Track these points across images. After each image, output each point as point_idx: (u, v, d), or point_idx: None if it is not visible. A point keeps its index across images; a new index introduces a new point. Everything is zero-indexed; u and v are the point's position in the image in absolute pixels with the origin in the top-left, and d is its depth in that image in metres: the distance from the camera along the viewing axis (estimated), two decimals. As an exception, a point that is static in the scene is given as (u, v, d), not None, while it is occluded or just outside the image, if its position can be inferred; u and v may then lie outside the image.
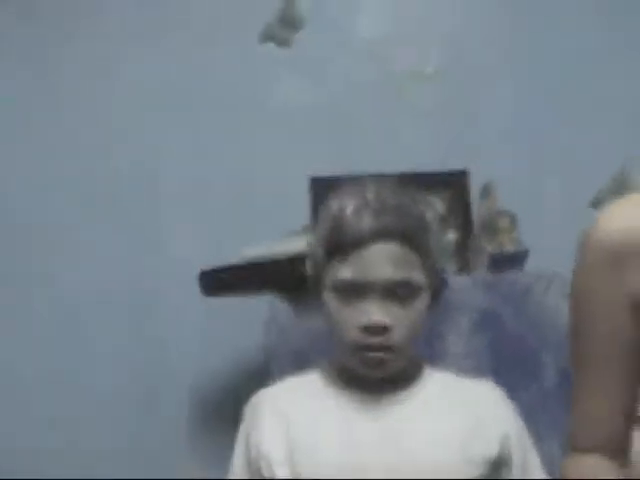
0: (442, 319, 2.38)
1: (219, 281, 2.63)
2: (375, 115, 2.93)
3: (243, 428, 1.76)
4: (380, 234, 1.66)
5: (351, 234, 1.66)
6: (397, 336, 1.66)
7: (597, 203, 2.96)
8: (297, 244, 2.53)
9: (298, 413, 1.70)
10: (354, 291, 1.66)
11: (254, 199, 2.92)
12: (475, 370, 1.87)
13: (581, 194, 2.93)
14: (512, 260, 2.69)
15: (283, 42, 2.97)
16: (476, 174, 2.79)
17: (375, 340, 1.65)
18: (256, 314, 2.57)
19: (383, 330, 1.65)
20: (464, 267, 2.74)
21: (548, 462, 1.77)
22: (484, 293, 2.55)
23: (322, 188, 2.74)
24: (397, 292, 1.66)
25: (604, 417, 1.42)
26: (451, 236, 2.80)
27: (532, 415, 2.06)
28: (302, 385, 1.77)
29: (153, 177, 2.93)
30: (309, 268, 1.77)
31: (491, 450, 1.66)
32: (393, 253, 1.66)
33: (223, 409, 2.84)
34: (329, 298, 1.69)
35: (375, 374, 1.69)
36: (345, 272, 1.66)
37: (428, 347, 2.34)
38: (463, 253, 2.77)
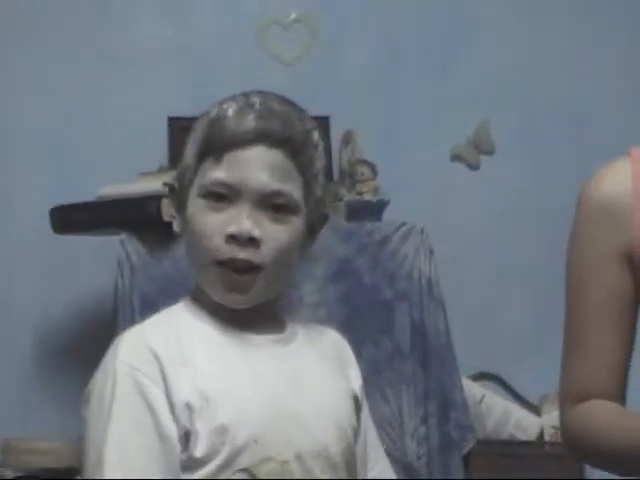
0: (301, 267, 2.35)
1: (70, 218, 2.56)
2: (236, 60, 2.88)
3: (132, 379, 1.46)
4: (262, 137, 1.50)
5: (230, 132, 1.50)
6: (267, 253, 1.50)
7: (455, 158, 2.97)
8: (152, 184, 2.47)
9: (193, 355, 1.49)
10: (224, 196, 1.50)
11: (111, 139, 2.84)
12: (327, 321, 1.83)
13: (440, 148, 2.95)
14: (370, 210, 2.68)
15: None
16: (337, 121, 2.76)
17: (241, 254, 1.48)
18: (107, 253, 2.50)
19: (251, 242, 1.48)
20: (326, 218, 2.71)
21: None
22: (341, 242, 2.53)
23: (180, 129, 2.67)
24: (272, 203, 1.50)
25: (600, 368, 1.43)
26: (310, 183, 2.77)
27: (379, 370, 2.09)
28: (176, 322, 1.55)
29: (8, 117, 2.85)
30: (175, 179, 1.58)
31: (354, 395, 1.63)
32: (274, 160, 1.50)
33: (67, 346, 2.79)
34: (195, 207, 1.52)
35: (236, 300, 1.52)
36: (218, 173, 1.50)
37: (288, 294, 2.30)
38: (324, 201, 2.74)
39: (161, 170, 2.62)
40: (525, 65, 2.99)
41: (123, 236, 2.48)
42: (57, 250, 2.76)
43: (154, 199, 2.41)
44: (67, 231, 2.57)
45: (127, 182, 2.54)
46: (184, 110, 2.35)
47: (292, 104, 1.59)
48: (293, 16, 2.94)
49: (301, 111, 1.59)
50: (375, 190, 2.70)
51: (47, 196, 2.66)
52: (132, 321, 1.86)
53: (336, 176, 2.79)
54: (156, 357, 1.48)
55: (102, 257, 2.62)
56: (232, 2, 2.96)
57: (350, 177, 2.73)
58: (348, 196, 2.69)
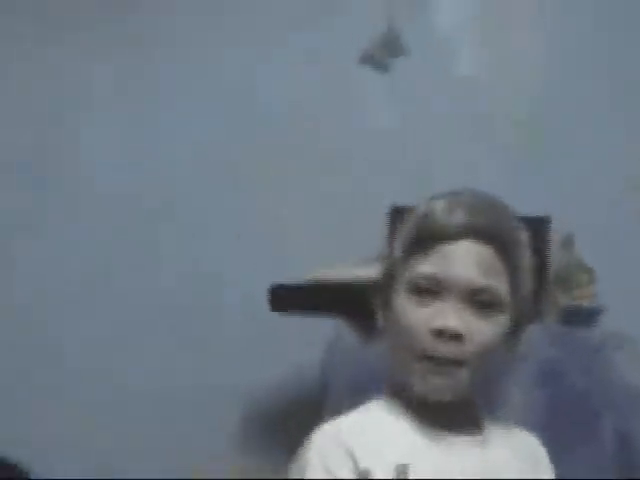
0: (508, 367, 2.33)
1: (288, 298, 2.62)
2: (459, 152, 2.90)
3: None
4: (471, 231, 1.51)
5: (439, 226, 1.52)
6: (471, 349, 1.50)
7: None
8: (371, 270, 2.50)
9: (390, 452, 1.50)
10: (431, 291, 1.51)
11: (332, 222, 2.91)
12: (531, 424, 1.81)
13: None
14: (585, 316, 2.63)
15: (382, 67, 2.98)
16: (557, 223, 2.74)
17: (446, 348, 1.49)
18: (320, 335, 2.55)
19: (457, 338, 1.49)
20: (536, 318, 2.68)
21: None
22: (552, 345, 2.49)
23: (401, 218, 2.71)
24: (479, 299, 1.51)
25: None
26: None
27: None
28: (374, 419, 1.58)
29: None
30: (382, 273, 1.62)
31: None
32: (482, 255, 1.52)
33: (274, 425, 2.83)
34: (400, 302, 1.54)
35: (440, 387, 1.52)
36: (426, 266, 1.51)
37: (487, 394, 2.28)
38: (536, 303, 2.71)
39: (380, 257, 2.66)
40: None
41: (337, 319, 2.53)
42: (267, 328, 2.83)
43: (372, 286, 2.44)
44: (283, 310, 2.63)
45: (345, 266, 2.59)
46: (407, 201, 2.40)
47: (501, 203, 1.61)
48: (523, 114, 2.94)
49: (509, 209, 1.61)
50: (592, 296, 2.65)
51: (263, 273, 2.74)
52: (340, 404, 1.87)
53: (552, 279, 2.76)
54: (351, 456, 1.49)
55: (312, 337, 2.66)
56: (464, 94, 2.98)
57: (567, 281, 2.70)
58: (563, 300, 2.65)
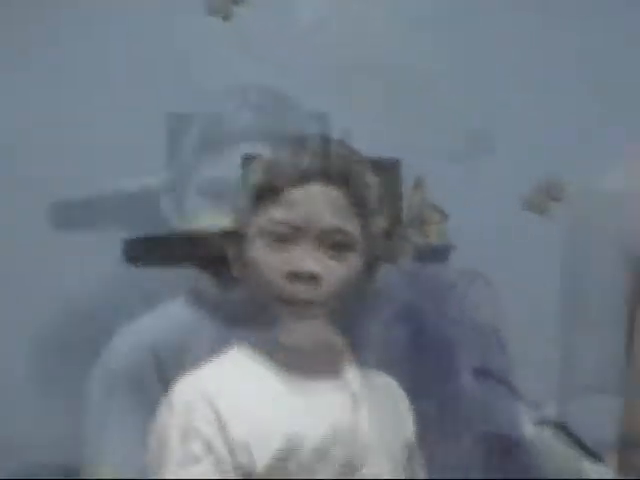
0: (364, 307, 2.37)
1: (142, 250, 2.60)
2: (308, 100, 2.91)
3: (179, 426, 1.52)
4: (319, 174, 1.57)
5: (287, 172, 1.57)
6: (327, 289, 1.58)
7: (528, 205, 2.97)
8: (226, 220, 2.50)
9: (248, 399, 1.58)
10: (284, 236, 1.56)
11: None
12: (389, 364, 1.86)
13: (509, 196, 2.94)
14: (437, 253, 2.70)
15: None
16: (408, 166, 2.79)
17: (302, 291, 1.55)
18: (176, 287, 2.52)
19: (311, 279, 1.56)
20: (389, 257, 2.73)
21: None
22: (407, 285, 2.55)
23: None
24: (331, 241, 1.58)
25: None
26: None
27: (439, 417, 2.09)
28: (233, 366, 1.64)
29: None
30: (234, 223, 1.68)
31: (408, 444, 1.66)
32: (331, 197, 1.57)
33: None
34: (254, 250, 1.59)
35: (298, 338, 1.60)
36: (277, 213, 1.57)
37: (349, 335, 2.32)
38: (390, 243, 2.76)
39: (233, 207, 2.66)
40: None
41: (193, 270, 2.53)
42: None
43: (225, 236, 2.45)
44: (139, 263, 2.61)
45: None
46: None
47: (349, 146, 1.65)
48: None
49: (357, 152, 1.65)
50: (443, 235, 2.72)
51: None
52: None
53: (405, 220, 2.81)
54: (214, 407, 1.55)
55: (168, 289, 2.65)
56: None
57: (419, 220, 2.76)
58: (416, 239, 2.71)
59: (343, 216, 1.58)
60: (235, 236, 1.63)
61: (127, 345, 2.08)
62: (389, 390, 1.72)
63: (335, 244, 1.58)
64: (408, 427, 1.69)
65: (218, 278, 2.50)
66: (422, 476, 1.72)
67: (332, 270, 1.57)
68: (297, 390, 1.56)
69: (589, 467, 2.72)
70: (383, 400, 1.66)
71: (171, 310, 2.10)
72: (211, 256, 2.51)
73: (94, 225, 2.55)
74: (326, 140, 1.64)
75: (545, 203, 2.94)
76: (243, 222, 1.60)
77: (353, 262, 1.60)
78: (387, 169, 2.91)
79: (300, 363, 1.58)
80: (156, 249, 2.60)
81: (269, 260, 1.57)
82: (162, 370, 1.90)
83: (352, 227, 1.59)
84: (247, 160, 2.81)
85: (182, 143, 1.60)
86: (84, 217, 2.52)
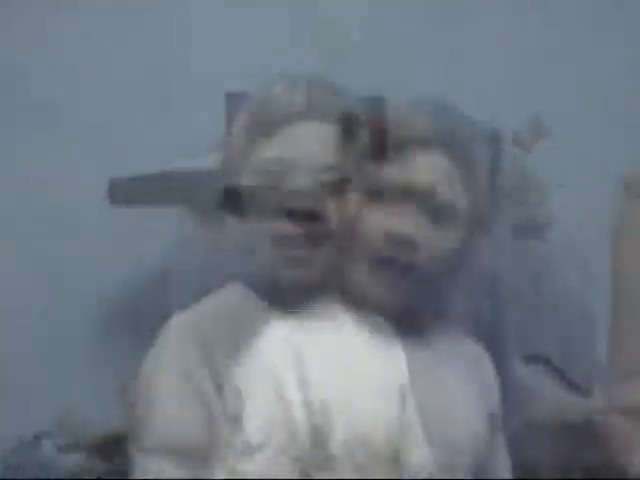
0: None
1: (129, 191, 2.60)
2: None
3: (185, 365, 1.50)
4: (315, 110, 1.55)
5: (282, 108, 1.55)
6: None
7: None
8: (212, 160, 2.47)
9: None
10: (280, 172, 1.53)
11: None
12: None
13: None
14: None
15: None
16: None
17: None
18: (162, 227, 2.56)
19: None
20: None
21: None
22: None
23: (238, 105, 2.68)
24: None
25: None
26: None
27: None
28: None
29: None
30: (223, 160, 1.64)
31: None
32: (325, 134, 1.54)
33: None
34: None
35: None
36: (271, 150, 1.53)
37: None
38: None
39: (219, 145, 2.62)
40: None
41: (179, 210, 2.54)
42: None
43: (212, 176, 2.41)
44: (124, 203, 2.62)
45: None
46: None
47: (336, 84, 1.61)
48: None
49: (344, 89, 1.62)
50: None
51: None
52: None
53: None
54: (209, 347, 1.50)
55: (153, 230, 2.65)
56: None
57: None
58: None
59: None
60: (225, 172, 1.60)
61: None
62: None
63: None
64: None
65: (206, 217, 2.44)
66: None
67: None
68: (296, 329, 1.52)
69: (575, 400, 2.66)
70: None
71: None
72: (198, 196, 2.46)
73: (153, 202, 2.55)
74: (314, 80, 1.60)
75: None
76: (236, 160, 1.57)
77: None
78: (372, 106, 2.80)
79: (298, 304, 1.55)
80: (142, 189, 2.58)
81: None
82: None
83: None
84: (232, 98, 2.78)
85: (238, 123, 1.59)
86: (144, 194, 2.52)
